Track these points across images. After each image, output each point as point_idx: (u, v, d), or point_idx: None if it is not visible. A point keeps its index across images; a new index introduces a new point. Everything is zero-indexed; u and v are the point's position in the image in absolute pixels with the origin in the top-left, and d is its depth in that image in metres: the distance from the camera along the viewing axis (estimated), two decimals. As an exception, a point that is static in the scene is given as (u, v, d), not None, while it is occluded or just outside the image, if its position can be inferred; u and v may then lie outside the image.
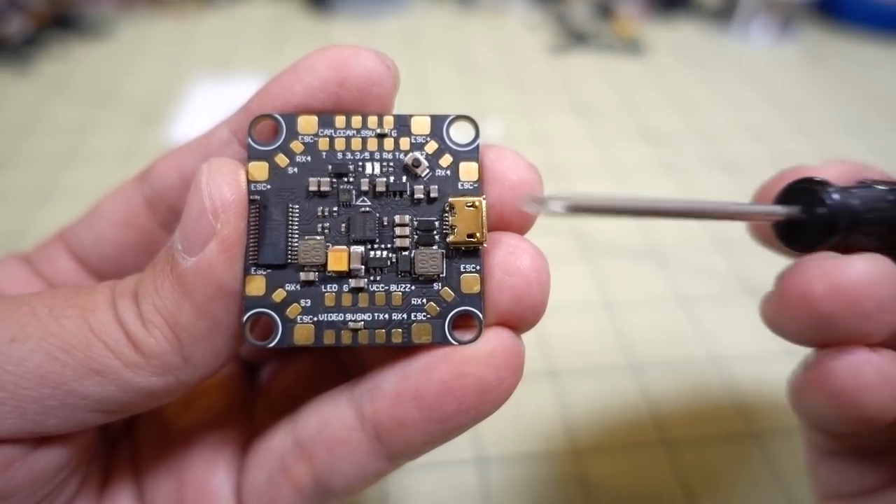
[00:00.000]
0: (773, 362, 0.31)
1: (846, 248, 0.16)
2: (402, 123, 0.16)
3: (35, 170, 0.44)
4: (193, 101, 0.51)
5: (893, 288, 0.15)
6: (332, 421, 0.16)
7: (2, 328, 0.14)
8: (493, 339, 0.15)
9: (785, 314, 0.16)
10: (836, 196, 0.15)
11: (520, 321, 0.15)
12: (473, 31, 0.66)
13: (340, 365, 0.21)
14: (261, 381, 0.21)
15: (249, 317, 0.15)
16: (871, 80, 0.59)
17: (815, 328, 0.15)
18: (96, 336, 0.14)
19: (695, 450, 0.28)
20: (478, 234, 0.15)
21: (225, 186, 0.15)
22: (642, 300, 0.35)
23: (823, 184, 0.15)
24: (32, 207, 0.41)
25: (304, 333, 0.15)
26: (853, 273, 0.14)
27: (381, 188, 0.16)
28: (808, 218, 0.16)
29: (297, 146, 0.16)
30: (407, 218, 0.16)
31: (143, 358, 0.14)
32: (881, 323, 0.15)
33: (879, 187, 0.16)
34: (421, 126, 0.16)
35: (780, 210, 0.16)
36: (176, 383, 0.15)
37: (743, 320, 0.34)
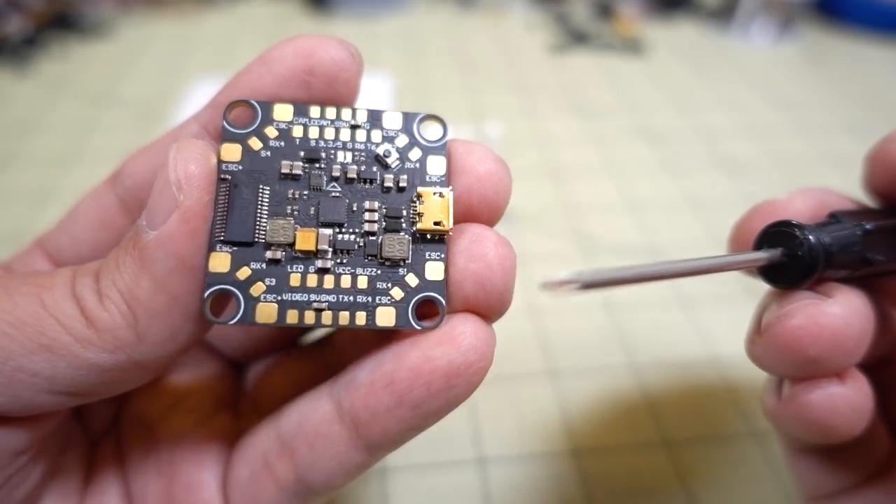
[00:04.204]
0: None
1: (821, 280, 0.17)
2: (375, 118, 0.17)
3: (35, 170, 0.44)
4: (193, 101, 0.51)
5: (867, 322, 0.16)
6: (311, 416, 0.16)
7: None
8: (460, 324, 0.15)
9: (774, 357, 0.17)
10: (813, 239, 0.16)
11: (485, 308, 0.16)
12: (473, 31, 0.66)
13: (327, 365, 0.21)
14: (248, 382, 0.21)
15: (211, 293, 0.15)
16: (871, 80, 0.59)
17: (802, 368, 0.16)
18: (49, 312, 0.14)
19: (695, 450, 0.28)
20: (444, 222, 0.15)
21: (191, 161, 0.15)
22: (642, 300, 0.35)
23: (800, 227, 0.17)
24: (32, 207, 0.41)
25: (266, 312, 0.15)
26: (834, 320, 0.16)
27: (352, 175, 0.16)
28: (789, 261, 0.17)
29: (271, 131, 0.16)
30: (376, 204, 0.16)
31: (95, 332, 0.14)
32: (859, 354, 0.16)
33: (847, 222, 0.17)
34: (393, 121, 0.17)
35: (763, 256, 0.17)
36: (128, 362, 0.15)
37: (743, 320, 0.34)
